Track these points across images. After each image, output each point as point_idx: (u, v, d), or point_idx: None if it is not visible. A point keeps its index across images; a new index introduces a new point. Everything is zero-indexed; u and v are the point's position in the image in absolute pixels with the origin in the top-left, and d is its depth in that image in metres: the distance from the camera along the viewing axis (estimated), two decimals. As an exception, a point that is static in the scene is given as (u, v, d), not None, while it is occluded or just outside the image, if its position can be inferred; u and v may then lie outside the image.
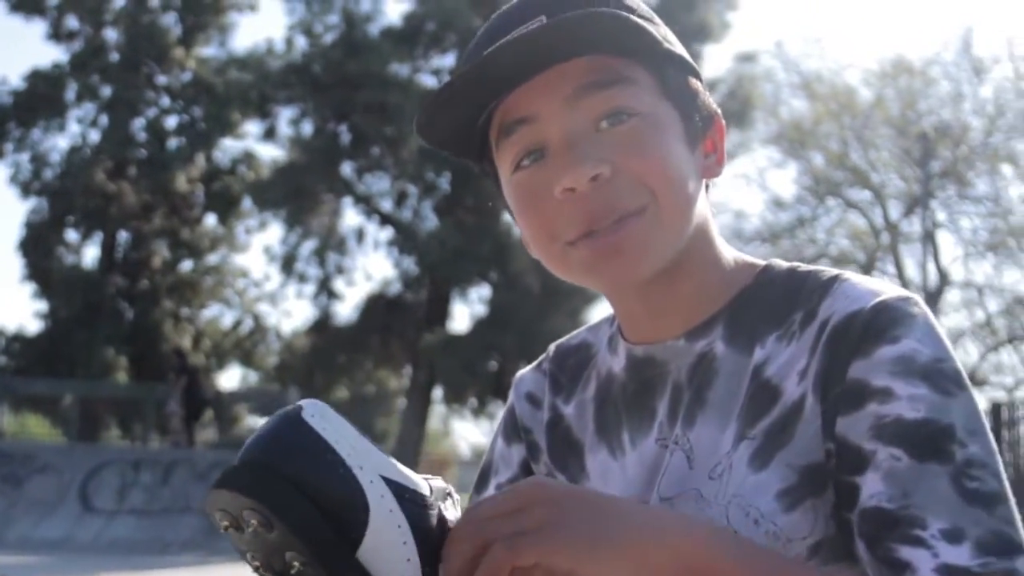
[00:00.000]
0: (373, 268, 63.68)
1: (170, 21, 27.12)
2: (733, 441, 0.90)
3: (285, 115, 23.89)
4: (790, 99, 23.01)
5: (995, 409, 10.84)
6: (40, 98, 25.72)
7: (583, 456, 1.05)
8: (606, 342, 1.08)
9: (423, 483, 0.75)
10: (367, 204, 23.89)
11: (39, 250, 25.92)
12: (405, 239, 23.30)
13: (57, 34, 26.44)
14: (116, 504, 14.18)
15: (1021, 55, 27.89)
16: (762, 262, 1.00)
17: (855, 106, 22.15)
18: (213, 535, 12.54)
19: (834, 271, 0.94)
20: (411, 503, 0.73)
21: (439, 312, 23.07)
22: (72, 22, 26.49)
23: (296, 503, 0.68)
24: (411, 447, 20.58)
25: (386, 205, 23.91)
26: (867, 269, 22.20)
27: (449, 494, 0.77)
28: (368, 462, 0.72)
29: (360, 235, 24.72)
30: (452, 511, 0.77)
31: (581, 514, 0.71)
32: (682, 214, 0.91)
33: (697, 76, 0.97)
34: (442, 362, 20.73)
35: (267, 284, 40.42)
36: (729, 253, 1.00)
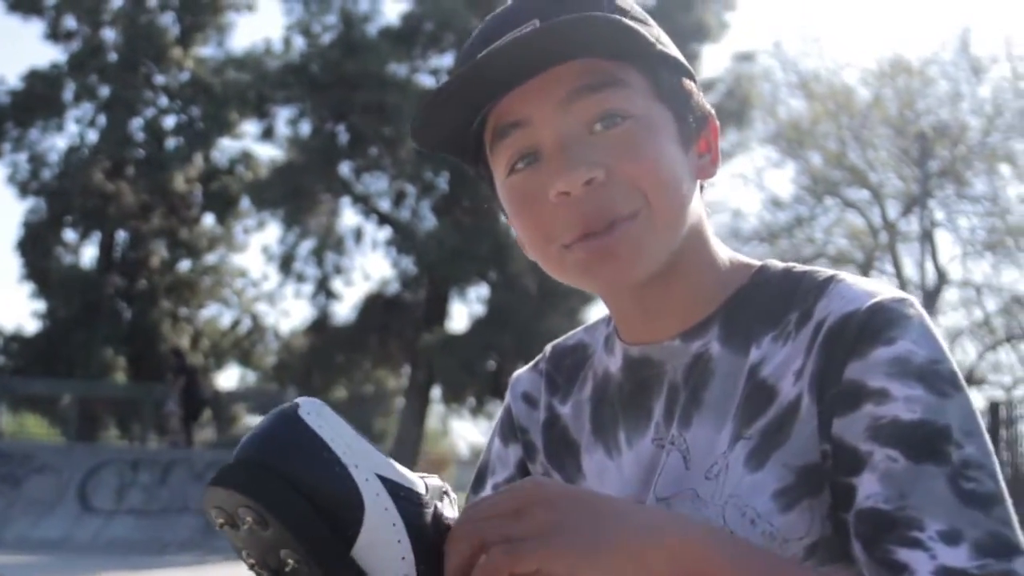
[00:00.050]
0: (371, 268, 63.72)
1: (168, 21, 27.12)
2: (729, 441, 0.90)
3: (283, 115, 23.91)
4: (788, 99, 23.04)
5: (993, 408, 10.84)
6: (38, 98, 25.71)
7: (579, 456, 1.05)
8: (602, 342, 1.08)
9: (419, 481, 0.75)
10: (365, 204, 23.89)
11: (37, 250, 25.91)
12: (403, 239, 23.30)
13: (55, 34, 26.43)
14: (114, 504, 14.17)
15: (1019, 55, 27.96)
16: (757, 262, 1.00)
17: (853, 106, 22.15)
18: (211, 535, 12.53)
19: (829, 271, 0.94)
20: (406, 501, 0.73)
21: (437, 312, 23.07)
22: (70, 22, 26.49)
23: (291, 501, 0.68)
24: (410, 446, 20.59)
25: (384, 205, 23.92)
26: (865, 268, 22.21)
27: (445, 492, 0.78)
28: (364, 460, 0.72)
29: (358, 235, 24.73)
30: (449, 509, 0.77)
31: (579, 518, 0.72)
32: (675, 217, 0.91)
33: (691, 77, 0.97)
34: (440, 362, 20.73)
35: (265, 284, 40.48)
36: (724, 253, 1.00)
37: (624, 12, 0.92)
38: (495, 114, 0.92)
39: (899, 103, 21.94)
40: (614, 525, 0.72)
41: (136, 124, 26.79)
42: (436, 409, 28.07)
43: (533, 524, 0.71)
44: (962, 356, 21.94)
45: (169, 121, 27.25)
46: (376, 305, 24.39)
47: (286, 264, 24.34)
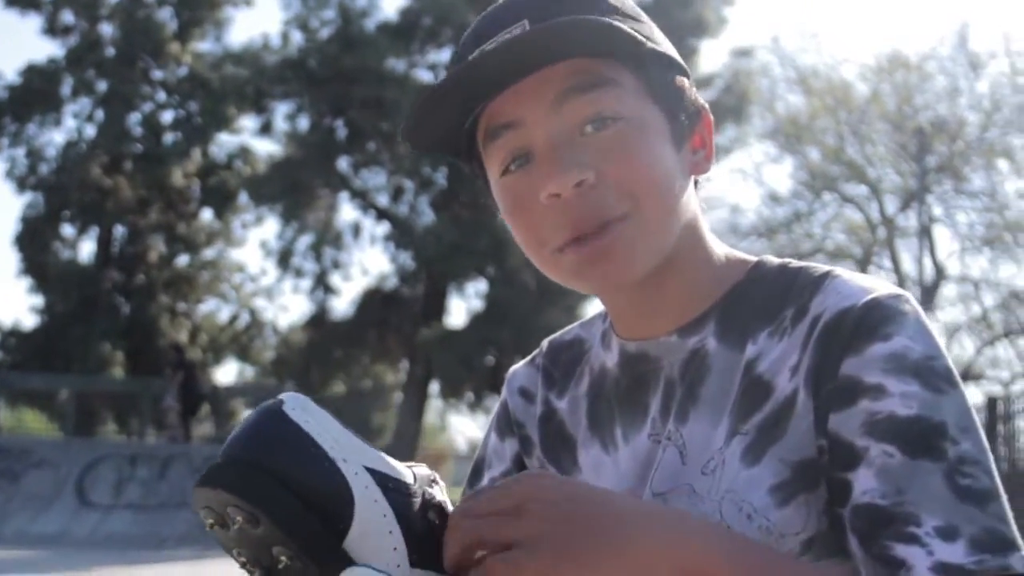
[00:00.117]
0: (369, 263, 63.71)
1: (166, 16, 27.09)
2: (726, 437, 0.90)
3: (281, 110, 23.91)
4: (786, 94, 23.00)
5: (991, 403, 10.83)
6: (36, 93, 25.68)
7: (576, 451, 1.05)
8: (599, 337, 1.08)
9: (407, 472, 0.75)
10: (363, 199, 23.88)
11: (35, 245, 25.89)
12: (401, 234, 23.30)
13: (52, 29, 26.39)
14: (113, 499, 14.18)
15: (1017, 50, 27.91)
16: (753, 258, 1.00)
17: (851, 101, 22.13)
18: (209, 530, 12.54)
19: (825, 267, 0.94)
20: (395, 492, 0.73)
21: (436, 307, 23.08)
22: (67, 17, 26.45)
23: (281, 498, 0.68)
24: (408, 441, 20.60)
25: (382, 200, 23.92)
26: (863, 264, 22.21)
27: (434, 480, 0.78)
28: (351, 453, 0.72)
29: (356, 230, 24.73)
30: (440, 494, 0.77)
31: (576, 520, 0.72)
32: (667, 217, 0.91)
33: (684, 73, 0.97)
34: (439, 357, 20.75)
35: (263, 279, 40.38)
36: (720, 249, 1.00)
37: (615, 9, 0.92)
38: (487, 115, 0.92)
39: (897, 98, 21.93)
40: (613, 527, 0.73)
41: (134, 119, 26.77)
42: (434, 404, 28.11)
43: (530, 527, 0.71)
44: (960, 351, 21.97)
45: (167, 116, 27.26)
46: (374, 300, 24.40)
47: (284, 259, 24.34)
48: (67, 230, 27.04)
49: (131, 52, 26.08)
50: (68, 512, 13.88)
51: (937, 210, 22.01)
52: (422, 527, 0.74)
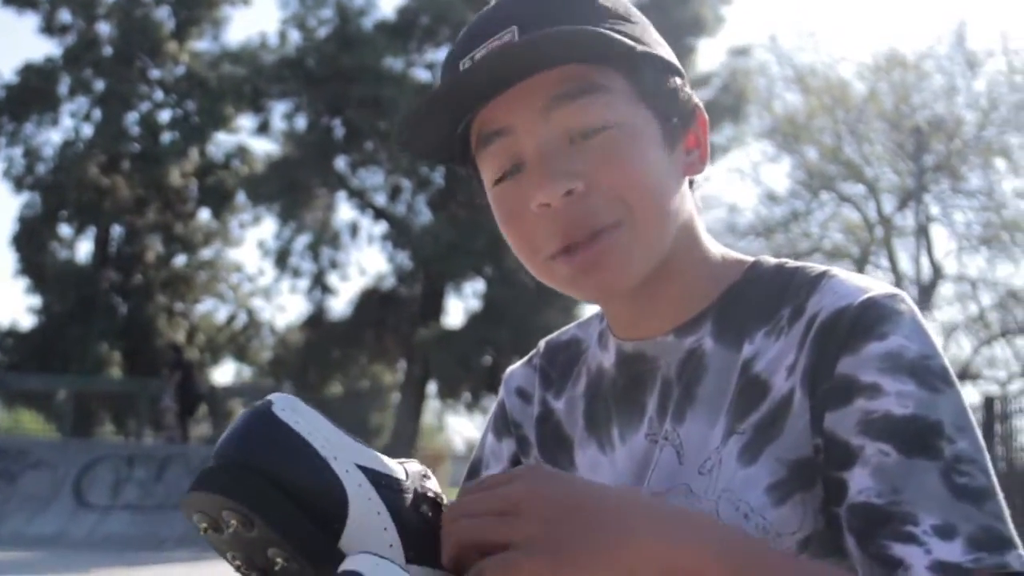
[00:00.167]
0: (367, 263, 63.52)
1: (163, 15, 27.08)
2: (722, 436, 0.91)
3: (279, 109, 23.92)
4: (784, 93, 23.02)
5: (988, 403, 10.84)
6: (33, 92, 25.66)
7: (572, 451, 1.05)
8: (596, 338, 1.08)
9: (399, 468, 0.76)
10: (361, 198, 23.88)
11: (32, 245, 25.88)
12: (399, 234, 23.31)
13: (50, 28, 26.38)
14: (110, 500, 14.17)
15: (1015, 49, 27.92)
16: (750, 258, 1.00)
17: (849, 100, 22.15)
18: (207, 531, 12.53)
19: (822, 267, 0.94)
20: (388, 489, 0.73)
21: (433, 307, 23.08)
22: (65, 16, 26.43)
23: (274, 499, 0.68)
24: (405, 442, 20.60)
25: (380, 199, 23.92)
26: (861, 263, 22.24)
27: (426, 475, 0.78)
28: (342, 452, 0.72)
29: (354, 229, 24.74)
30: (435, 489, 0.77)
31: (573, 520, 0.72)
32: (660, 223, 0.91)
33: (677, 73, 0.96)
34: (436, 357, 20.75)
35: (261, 279, 40.41)
36: (716, 249, 1.00)
37: (608, 12, 0.92)
38: (478, 121, 0.92)
39: (895, 97, 21.95)
40: (608, 528, 0.72)
41: (131, 118, 26.76)
42: (432, 404, 28.10)
43: (526, 528, 0.71)
44: (957, 351, 21.99)
45: (164, 115, 27.25)
46: (372, 300, 24.41)
47: (282, 259, 24.35)
48: (64, 230, 27.05)
49: (128, 51, 26.07)
50: (65, 513, 13.87)
51: (934, 209, 22.06)
52: (416, 523, 0.74)
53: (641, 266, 0.91)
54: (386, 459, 0.75)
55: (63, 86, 26.30)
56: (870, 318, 0.85)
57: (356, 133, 22.44)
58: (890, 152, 22.14)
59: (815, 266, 0.95)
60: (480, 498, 0.74)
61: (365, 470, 0.72)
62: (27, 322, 32.68)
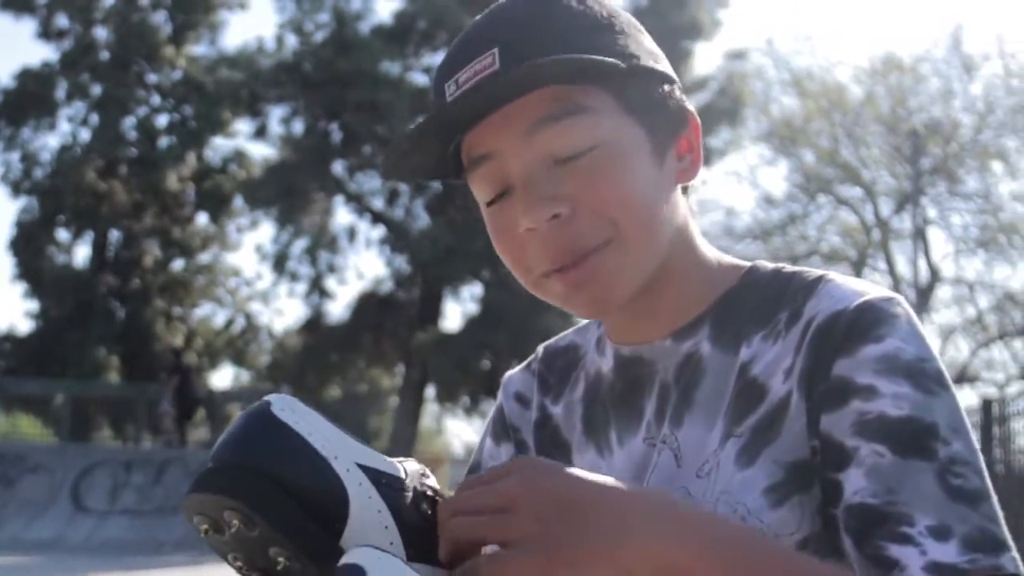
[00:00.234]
0: (365, 267, 63.62)
1: (160, 19, 27.09)
2: (720, 439, 0.91)
3: (276, 113, 23.92)
4: (781, 96, 23.04)
5: (986, 405, 10.85)
6: (30, 97, 25.65)
7: (571, 455, 1.06)
8: (594, 343, 1.09)
9: (398, 467, 0.76)
10: (359, 202, 23.89)
11: (30, 249, 25.86)
12: (397, 237, 23.31)
13: (47, 32, 26.37)
14: (108, 504, 14.17)
15: (1011, 52, 27.97)
16: (747, 263, 1.01)
17: (846, 103, 22.18)
18: (205, 535, 12.52)
19: (819, 272, 0.95)
20: (388, 488, 0.73)
21: (431, 310, 23.08)
22: (62, 20, 26.44)
23: (276, 499, 0.69)
24: (404, 445, 20.59)
25: (378, 203, 23.93)
26: (858, 266, 22.26)
27: (425, 474, 0.78)
28: (342, 451, 0.72)
29: (352, 233, 24.76)
30: (434, 486, 0.78)
31: (569, 519, 0.72)
32: (650, 238, 0.92)
33: (668, 80, 0.95)
34: (434, 360, 20.74)
35: (259, 283, 40.42)
36: (712, 253, 1.00)
37: (593, 25, 0.91)
38: (466, 144, 0.93)
39: (891, 101, 21.98)
40: (605, 526, 0.73)
41: (129, 123, 26.77)
42: (430, 408, 28.13)
43: (521, 527, 0.72)
44: (955, 353, 21.99)
45: (162, 120, 27.25)
46: (370, 304, 24.40)
47: (280, 263, 24.35)
48: (62, 235, 27.03)
49: (125, 56, 26.06)
50: (63, 518, 13.86)
51: (932, 212, 22.09)
52: (416, 521, 0.74)
53: (632, 282, 0.92)
54: (386, 458, 0.76)
55: (60, 91, 26.30)
56: (866, 321, 0.86)
57: (353, 137, 22.46)
58: (887, 155, 22.17)
59: (812, 270, 0.95)
60: (476, 494, 0.74)
61: (365, 469, 0.73)
62: (25, 327, 32.74)
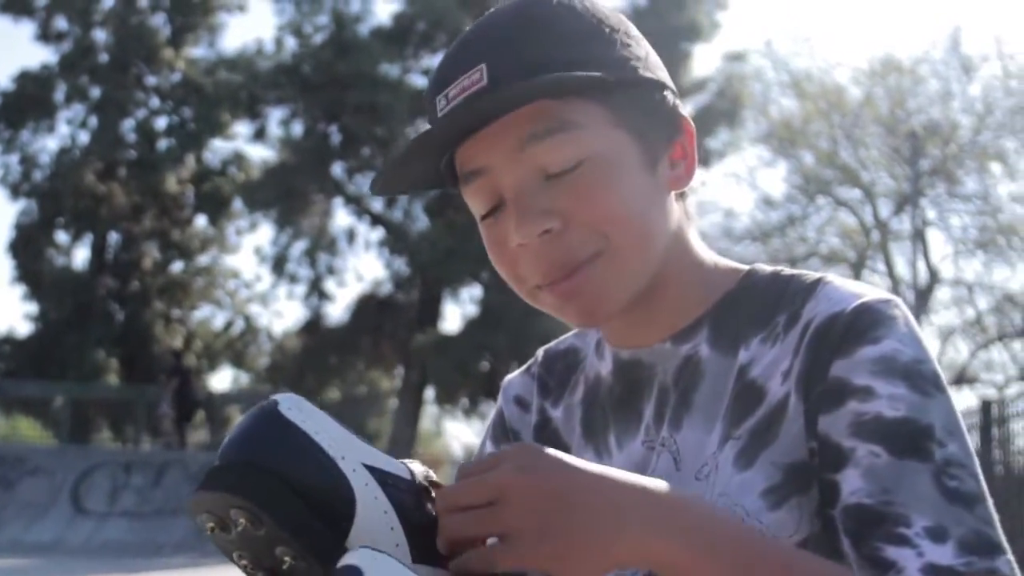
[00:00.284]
0: (364, 269, 63.60)
1: (159, 22, 27.09)
2: (719, 442, 0.91)
3: (275, 116, 23.92)
4: (780, 98, 23.06)
5: (985, 406, 10.84)
6: (29, 99, 25.65)
7: (570, 458, 1.06)
8: (593, 347, 1.09)
9: (404, 468, 0.76)
10: (358, 204, 23.88)
11: (29, 252, 25.85)
12: (396, 239, 23.31)
13: (46, 35, 26.37)
14: (108, 506, 14.16)
15: (1009, 53, 28.02)
16: (745, 266, 1.01)
17: (844, 105, 22.20)
18: (206, 536, 12.51)
19: (817, 274, 0.95)
20: (394, 488, 0.74)
21: (430, 312, 23.08)
22: (61, 23, 26.43)
23: (283, 498, 0.69)
24: (403, 447, 20.58)
25: (377, 206, 23.91)
26: (857, 267, 22.27)
27: (429, 475, 0.79)
28: (349, 451, 0.73)
29: (351, 235, 24.75)
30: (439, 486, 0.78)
31: (562, 513, 0.73)
32: (642, 248, 0.92)
33: (658, 86, 0.95)
34: (434, 362, 20.73)
35: (258, 285, 40.45)
36: (710, 256, 1.01)
37: (577, 34, 0.91)
38: (459, 159, 0.93)
39: (890, 102, 22.00)
40: (600, 522, 0.73)
41: (128, 125, 26.76)
42: (430, 410, 28.11)
43: (511, 521, 0.72)
44: (954, 355, 21.99)
45: (161, 122, 27.25)
46: (369, 306, 24.40)
47: (279, 265, 24.35)
48: (61, 237, 27.02)
49: (124, 58, 26.06)
50: (63, 520, 13.85)
51: (931, 213, 22.11)
52: (422, 521, 0.74)
53: (623, 293, 0.92)
54: (391, 459, 0.76)
55: (59, 93, 26.30)
56: (864, 323, 0.86)
57: (352, 139, 22.46)
58: (886, 157, 22.19)
59: (811, 273, 0.96)
60: (468, 486, 0.74)
61: (371, 469, 0.73)
62: (24, 329, 32.72)
